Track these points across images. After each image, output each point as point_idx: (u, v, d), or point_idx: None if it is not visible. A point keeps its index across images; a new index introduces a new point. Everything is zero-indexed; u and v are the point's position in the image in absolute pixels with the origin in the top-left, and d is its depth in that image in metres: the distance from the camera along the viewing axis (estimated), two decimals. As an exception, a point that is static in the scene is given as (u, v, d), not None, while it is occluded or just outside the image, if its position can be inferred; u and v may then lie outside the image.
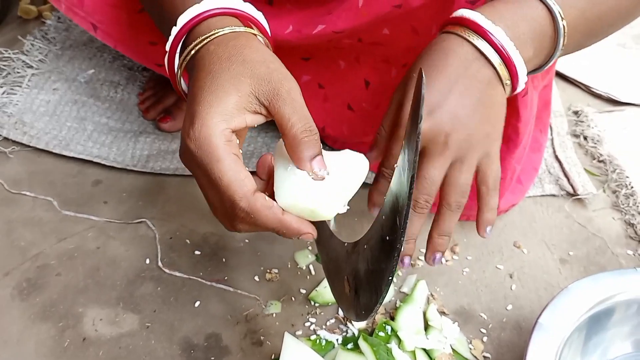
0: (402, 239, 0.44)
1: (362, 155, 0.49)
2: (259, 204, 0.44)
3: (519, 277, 0.76)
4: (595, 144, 0.96)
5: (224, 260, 0.76)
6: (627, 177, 0.89)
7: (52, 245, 0.76)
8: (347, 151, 0.49)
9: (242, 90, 0.44)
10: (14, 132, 0.89)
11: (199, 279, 0.73)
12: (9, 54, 1.03)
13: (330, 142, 0.88)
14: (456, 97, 0.52)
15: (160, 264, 0.74)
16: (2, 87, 0.96)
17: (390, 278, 0.45)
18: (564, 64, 1.10)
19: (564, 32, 0.55)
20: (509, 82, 0.54)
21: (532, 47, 0.54)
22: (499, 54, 0.52)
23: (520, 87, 0.56)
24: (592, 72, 1.11)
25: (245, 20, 0.52)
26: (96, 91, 0.98)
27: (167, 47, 0.51)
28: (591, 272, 0.77)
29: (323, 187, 0.46)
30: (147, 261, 0.75)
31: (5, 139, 0.89)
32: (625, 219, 0.84)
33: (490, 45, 0.52)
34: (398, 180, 0.47)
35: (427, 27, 0.67)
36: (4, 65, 1.01)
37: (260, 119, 0.46)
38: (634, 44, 1.19)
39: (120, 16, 0.78)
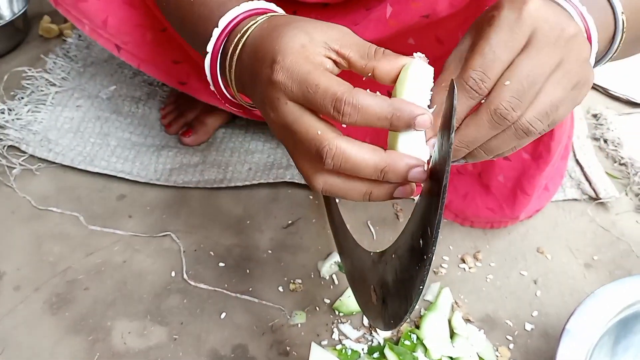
0: (434, 248, 0.43)
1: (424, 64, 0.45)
2: (362, 94, 0.41)
3: (544, 283, 0.76)
4: (615, 146, 0.95)
5: (247, 271, 0.76)
6: (650, 179, 0.88)
7: (80, 259, 0.78)
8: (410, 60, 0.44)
9: (313, 34, 0.43)
10: (39, 149, 0.91)
11: (224, 291, 0.74)
12: (32, 72, 1.06)
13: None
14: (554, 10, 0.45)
15: (185, 276, 0.75)
16: (26, 105, 0.98)
17: (421, 287, 0.44)
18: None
19: (623, 28, 0.51)
20: None
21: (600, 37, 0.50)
22: (585, 30, 0.48)
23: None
24: (610, 74, 1.10)
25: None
26: (118, 107, 1.00)
27: (210, 48, 0.50)
28: (617, 276, 0.76)
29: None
30: (173, 274, 0.76)
31: (32, 156, 0.91)
32: (649, 222, 0.83)
33: (581, 20, 0.48)
34: (427, 189, 0.45)
35: (452, 37, 0.67)
36: (28, 84, 1.04)
37: (330, 64, 0.44)
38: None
39: (144, 36, 0.79)
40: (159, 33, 0.79)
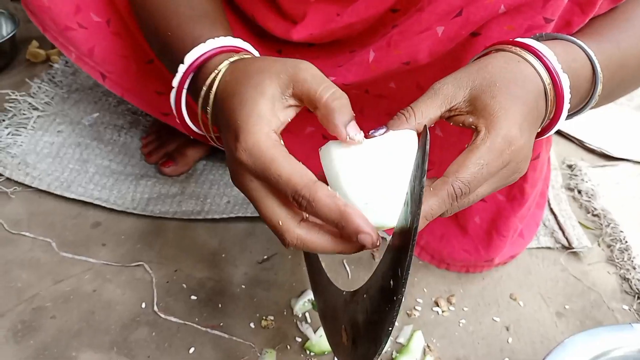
0: (404, 289, 0.43)
1: (407, 131, 0.47)
2: (320, 193, 0.43)
3: (515, 330, 0.76)
4: (589, 197, 0.97)
5: (220, 305, 0.75)
6: (622, 231, 0.90)
7: (48, 287, 0.76)
8: (389, 133, 0.47)
9: (267, 92, 0.46)
10: (16, 172, 0.90)
11: (194, 325, 0.73)
12: (16, 95, 1.06)
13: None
14: (527, 134, 0.48)
15: (155, 308, 0.74)
16: (7, 128, 0.98)
17: (390, 329, 0.44)
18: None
19: (601, 81, 0.55)
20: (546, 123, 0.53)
21: (575, 95, 0.53)
22: (556, 96, 0.51)
23: (550, 132, 0.55)
24: (586, 127, 1.14)
25: (244, 52, 0.55)
26: (100, 134, 1.00)
27: (175, 83, 0.54)
28: (587, 326, 0.77)
29: (385, 175, 0.45)
30: (143, 305, 0.75)
31: (8, 179, 0.90)
32: (620, 273, 0.84)
33: (553, 85, 0.50)
34: (397, 232, 0.47)
35: (433, 83, 0.69)
36: (10, 107, 1.03)
37: (292, 111, 0.48)
38: (627, 101, 1.23)
39: (129, 66, 0.80)
40: (143, 64, 0.80)
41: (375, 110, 0.77)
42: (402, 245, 0.44)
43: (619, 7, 0.60)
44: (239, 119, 0.45)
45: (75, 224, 0.85)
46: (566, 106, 0.51)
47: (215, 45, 0.53)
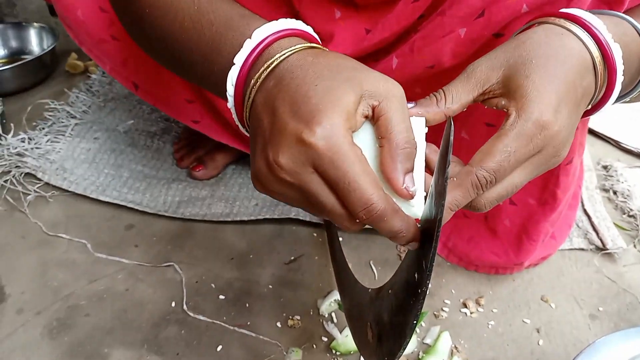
0: (428, 282, 0.43)
1: (414, 118, 0.45)
2: (390, 208, 0.41)
3: (547, 332, 0.74)
4: (625, 198, 0.95)
5: (247, 305, 0.76)
6: (659, 232, 0.87)
7: (83, 286, 0.78)
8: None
9: (357, 91, 0.41)
10: (54, 177, 0.94)
11: (222, 324, 0.74)
12: (55, 104, 1.10)
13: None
14: (565, 117, 0.45)
15: (185, 307, 0.76)
16: (46, 135, 1.02)
17: (415, 322, 0.44)
18: (593, 118, 1.10)
19: None
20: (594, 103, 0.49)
21: (627, 72, 0.49)
22: (608, 69, 0.47)
23: (598, 113, 0.51)
24: (622, 127, 1.11)
25: (314, 40, 0.48)
26: (134, 140, 1.03)
27: (240, 61, 0.45)
28: (622, 328, 0.74)
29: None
30: (173, 304, 0.76)
31: (47, 184, 0.94)
32: (657, 275, 0.82)
33: (603, 57, 0.47)
34: (423, 223, 0.45)
35: None
36: (50, 116, 1.08)
37: (362, 121, 0.43)
38: (664, 100, 1.19)
39: (160, 76, 0.82)
40: (174, 74, 0.82)
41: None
42: (426, 237, 0.44)
43: None
44: (321, 102, 0.39)
45: (109, 226, 0.88)
46: (619, 79, 0.47)
47: (287, 26, 0.46)
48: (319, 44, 0.47)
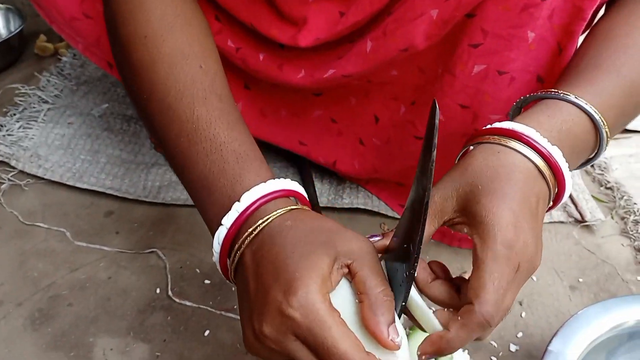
0: (416, 264, 0.43)
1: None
2: None
3: (529, 304, 0.76)
4: (602, 170, 0.96)
5: (233, 289, 0.76)
6: (635, 203, 0.89)
7: (64, 275, 0.77)
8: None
9: (331, 254, 0.43)
10: (29, 165, 0.91)
11: (209, 308, 0.73)
12: (26, 89, 1.07)
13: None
14: (526, 230, 0.45)
15: (170, 293, 0.75)
16: (18, 121, 0.99)
17: (404, 304, 0.45)
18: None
19: (607, 137, 0.51)
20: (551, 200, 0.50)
21: (574, 162, 0.51)
22: (553, 170, 0.47)
23: (557, 205, 0.52)
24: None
25: (298, 196, 0.51)
26: (110, 125, 1.01)
27: (228, 224, 0.47)
28: (601, 299, 0.76)
29: None
30: (158, 291, 0.76)
31: (21, 172, 0.91)
32: (634, 245, 0.84)
33: (545, 161, 0.47)
34: (411, 205, 0.46)
35: (433, 66, 0.68)
36: (21, 101, 1.04)
37: (340, 278, 0.45)
38: None
39: None
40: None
41: (381, 94, 0.76)
42: (413, 219, 0.44)
43: (605, 28, 0.57)
44: (297, 270, 0.42)
45: (88, 214, 0.86)
46: (567, 175, 0.48)
47: (276, 187, 0.48)
48: (306, 201, 0.51)
